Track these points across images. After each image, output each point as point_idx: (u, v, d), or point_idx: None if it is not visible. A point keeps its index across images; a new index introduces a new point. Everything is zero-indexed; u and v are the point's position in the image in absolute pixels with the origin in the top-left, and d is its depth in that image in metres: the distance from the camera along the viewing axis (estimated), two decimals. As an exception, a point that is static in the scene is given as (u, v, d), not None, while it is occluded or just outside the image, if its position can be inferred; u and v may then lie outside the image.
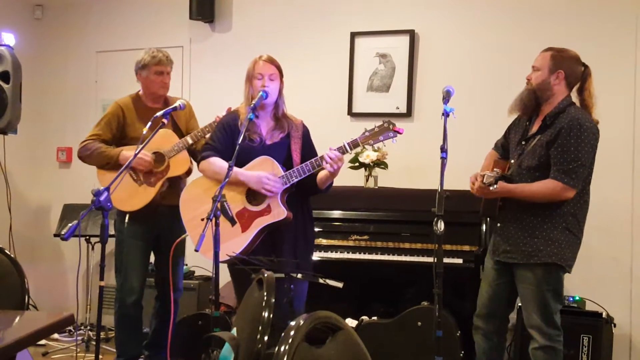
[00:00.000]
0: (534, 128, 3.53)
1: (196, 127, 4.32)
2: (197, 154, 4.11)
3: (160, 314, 4.35)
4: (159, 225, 4.21)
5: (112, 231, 4.26)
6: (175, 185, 4.19)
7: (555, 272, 3.45)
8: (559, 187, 3.36)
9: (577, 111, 3.43)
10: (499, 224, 3.60)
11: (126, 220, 4.19)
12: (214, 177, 3.58)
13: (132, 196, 4.12)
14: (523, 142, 3.55)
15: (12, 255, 2.95)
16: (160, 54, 4.19)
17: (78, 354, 4.95)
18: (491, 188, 3.28)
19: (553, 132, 3.40)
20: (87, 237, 5.57)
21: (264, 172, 3.51)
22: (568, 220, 3.45)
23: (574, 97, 3.54)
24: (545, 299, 3.42)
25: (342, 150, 3.46)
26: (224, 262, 3.41)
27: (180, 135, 4.19)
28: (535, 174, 3.45)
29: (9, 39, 5.22)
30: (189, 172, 4.19)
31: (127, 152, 4.07)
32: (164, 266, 4.23)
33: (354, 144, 3.47)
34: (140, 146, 3.65)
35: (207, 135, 4.01)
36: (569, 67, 3.46)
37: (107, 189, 3.26)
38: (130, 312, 4.22)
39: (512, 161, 3.55)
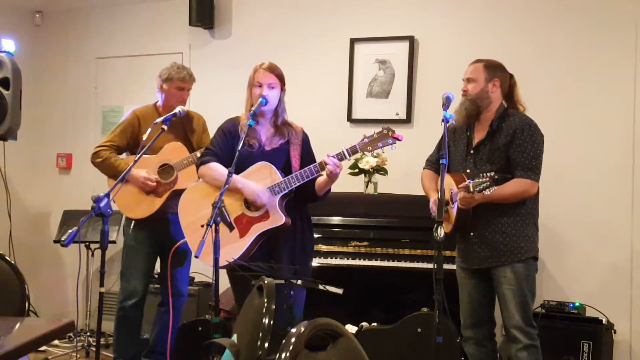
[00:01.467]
0: (479, 136, 3.63)
1: (208, 142, 4.35)
2: None
3: (163, 320, 4.35)
4: (164, 233, 4.24)
5: (113, 237, 4.27)
6: (180, 194, 4.19)
7: (533, 267, 3.57)
8: (528, 184, 3.50)
9: (519, 114, 3.62)
10: (471, 233, 3.63)
11: (131, 226, 4.26)
12: (213, 182, 3.59)
13: (139, 204, 4.17)
14: (472, 152, 3.63)
15: (12, 262, 2.95)
16: (185, 71, 4.29)
17: (77, 360, 4.96)
18: (486, 192, 3.31)
19: (507, 134, 3.53)
20: (87, 244, 5.57)
21: (261, 186, 3.51)
22: (534, 215, 3.62)
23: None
24: (525, 298, 3.51)
25: (341, 157, 3.46)
26: (222, 267, 3.40)
27: (190, 147, 4.25)
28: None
29: (9, 45, 5.23)
30: None
31: (136, 170, 4.10)
32: (165, 273, 4.25)
33: (352, 151, 3.48)
34: (141, 152, 3.67)
35: None
36: (501, 75, 3.65)
37: (107, 195, 3.27)
38: (130, 314, 4.24)
39: (468, 171, 3.59)
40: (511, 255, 3.52)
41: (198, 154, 4.08)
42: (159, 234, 4.25)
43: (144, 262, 4.27)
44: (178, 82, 4.26)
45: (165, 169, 4.18)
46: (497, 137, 3.56)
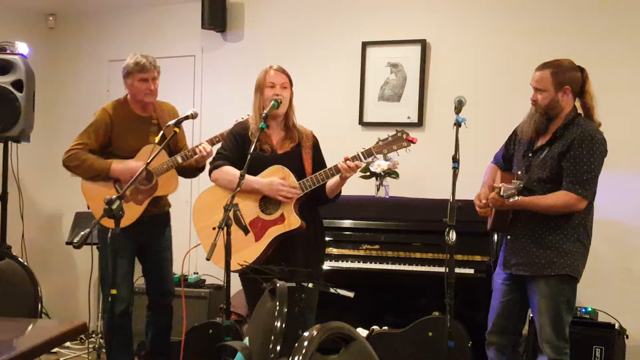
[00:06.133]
0: (542, 140, 3.51)
1: (184, 143, 4.26)
2: (185, 170, 4.11)
3: (155, 323, 4.33)
4: (142, 234, 4.14)
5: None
6: (159, 200, 4.15)
7: (568, 284, 3.43)
8: (573, 199, 3.35)
9: (586, 123, 3.42)
10: (509, 237, 3.58)
11: (109, 233, 3.95)
12: (227, 186, 3.58)
13: None
14: (530, 155, 3.54)
15: (25, 263, 2.96)
16: (144, 59, 4.04)
17: (89, 362, 4.97)
18: (511, 200, 3.25)
19: (564, 143, 3.39)
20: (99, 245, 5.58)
21: (279, 177, 3.51)
22: (579, 232, 3.44)
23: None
24: (559, 311, 3.41)
25: (356, 160, 3.46)
26: (235, 271, 3.41)
27: (169, 149, 4.04)
28: (547, 186, 3.43)
29: (23, 47, 5.27)
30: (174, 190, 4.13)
31: (118, 166, 3.98)
32: (153, 274, 4.26)
33: (367, 154, 3.48)
34: (152, 156, 3.51)
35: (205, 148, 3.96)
36: (571, 79, 3.42)
37: (120, 197, 3.25)
38: (120, 322, 4.12)
39: (519, 173, 3.53)
40: (541, 267, 3.41)
41: (179, 158, 3.96)
42: (138, 237, 4.12)
43: (127, 267, 4.13)
44: (138, 73, 4.01)
45: (145, 175, 3.96)
46: (555, 145, 3.42)
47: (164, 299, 4.31)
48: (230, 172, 3.60)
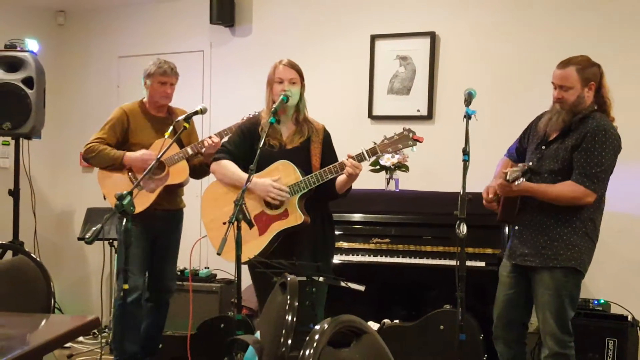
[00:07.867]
0: (556, 132, 3.50)
1: (196, 140, 4.39)
2: (197, 169, 4.25)
3: (151, 316, 4.39)
4: (156, 228, 4.28)
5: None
6: (172, 191, 4.27)
7: (573, 277, 3.43)
8: (580, 191, 3.34)
9: (602, 117, 3.41)
10: (517, 227, 3.58)
11: (124, 222, 4.16)
12: (223, 179, 3.64)
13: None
14: (543, 147, 3.53)
15: (37, 259, 2.98)
16: (166, 65, 4.28)
17: (102, 357, 5.00)
18: (516, 183, 3.25)
19: (578, 136, 3.38)
20: (110, 241, 5.62)
21: (272, 178, 3.52)
22: (587, 226, 3.44)
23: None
24: (562, 304, 3.40)
25: (360, 158, 3.44)
26: (245, 262, 3.41)
27: (179, 144, 4.22)
28: (557, 178, 3.42)
29: (33, 45, 5.29)
30: (186, 181, 4.28)
31: (131, 154, 4.18)
32: (157, 268, 4.34)
33: (372, 152, 3.46)
34: (164, 151, 3.65)
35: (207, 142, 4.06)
36: (594, 75, 3.43)
37: (130, 193, 3.28)
38: (131, 310, 4.19)
39: (530, 164, 3.51)
40: (547, 259, 3.41)
41: (189, 149, 4.13)
42: (152, 230, 4.26)
43: (142, 257, 4.24)
44: (159, 76, 4.24)
45: (157, 165, 4.08)
46: (569, 137, 3.41)
47: (162, 295, 4.40)
48: (227, 167, 3.62)
